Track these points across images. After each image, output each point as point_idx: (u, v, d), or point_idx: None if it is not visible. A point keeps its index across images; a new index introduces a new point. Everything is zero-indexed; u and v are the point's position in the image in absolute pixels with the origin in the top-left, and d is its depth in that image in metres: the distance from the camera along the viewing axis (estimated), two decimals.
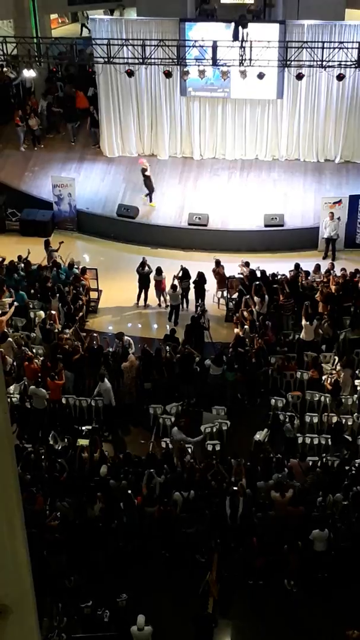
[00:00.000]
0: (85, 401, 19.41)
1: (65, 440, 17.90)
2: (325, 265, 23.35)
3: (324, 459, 17.34)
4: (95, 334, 21.12)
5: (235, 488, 15.80)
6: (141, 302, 23.51)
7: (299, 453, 17.30)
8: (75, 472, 16.64)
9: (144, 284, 23.25)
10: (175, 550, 15.55)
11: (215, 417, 18.94)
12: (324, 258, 24.83)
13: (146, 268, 22.98)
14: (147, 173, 26.53)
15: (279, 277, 22.28)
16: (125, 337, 20.58)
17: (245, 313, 20.98)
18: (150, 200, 26.79)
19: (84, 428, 18.71)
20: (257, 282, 21.68)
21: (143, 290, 23.34)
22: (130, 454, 17.31)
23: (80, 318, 22.00)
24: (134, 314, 23.34)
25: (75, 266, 23.34)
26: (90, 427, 18.69)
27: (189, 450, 17.47)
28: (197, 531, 15.40)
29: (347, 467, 16.99)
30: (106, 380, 19.12)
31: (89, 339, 20.60)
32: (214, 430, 18.53)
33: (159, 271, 22.92)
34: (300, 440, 18.18)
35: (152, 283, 23.14)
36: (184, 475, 16.48)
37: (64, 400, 19.39)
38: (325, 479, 16.52)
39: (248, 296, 21.37)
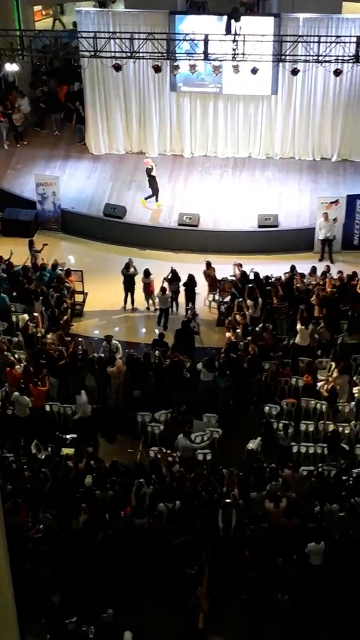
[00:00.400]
0: (70, 408, 19.38)
1: (49, 449, 17.85)
2: (321, 267, 23.43)
3: (320, 469, 17.35)
4: (80, 339, 21.12)
5: (228, 500, 15.80)
6: (128, 306, 23.53)
7: (293, 462, 17.30)
8: (59, 482, 16.58)
9: (129, 286, 23.27)
10: (165, 563, 15.53)
11: (206, 425, 18.93)
12: (320, 260, 24.92)
13: (131, 269, 23.00)
14: (152, 173, 26.50)
15: (273, 279, 22.33)
16: (113, 341, 20.60)
17: (237, 317, 21.02)
18: (157, 200, 26.77)
19: (68, 436, 18.67)
20: (250, 285, 21.73)
21: (129, 293, 23.36)
22: (118, 463, 17.29)
23: (65, 322, 21.98)
24: (121, 318, 23.35)
25: (60, 267, 23.34)
26: (74, 435, 18.64)
27: (177, 459, 17.49)
28: (185, 542, 15.38)
29: (344, 477, 17.02)
30: (83, 393, 19.13)
31: (73, 344, 20.59)
32: (205, 438, 18.51)
33: (147, 273, 22.95)
34: (295, 449, 18.19)
35: (141, 285, 23.16)
36: (173, 485, 16.45)
37: (47, 408, 19.36)
38: (320, 489, 16.53)
39: (241, 299, 21.42)
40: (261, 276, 22.46)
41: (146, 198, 26.86)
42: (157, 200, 26.85)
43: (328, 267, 23.18)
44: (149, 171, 26.62)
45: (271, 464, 17.28)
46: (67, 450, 17.81)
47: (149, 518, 15.63)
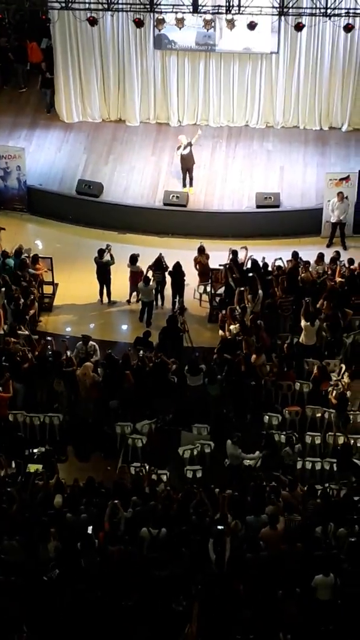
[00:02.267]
0: (38, 418, 19.35)
1: (14, 465, 17.81)
2: (329, 254, 23.44)
3: (327, 489, 17.38)
4: (49, 337, 21.10)
5: (220, 527, 15.79)
6: (104, 299, 23.53)
7: (290, 480, 17.36)
8: (26, 503, 16.56)
9: (102, 278, 23.27)
10: (147, 597, 15.51)
11: (196, 437, 18.98)
12: (329, 246, 24.96)
13: (106, 257, 22.93)
14: (182, 152, 26.29)
15: (274, 268, 22.32)
16: (91, 342, 20.60)
17: (237, 309, 20.99)
18: (184, 185, 26.73)
19: (36, 450, 18.68)
20: (251, 274, 21.74)
21: (104, 286, 23.38)
22: (94, 480, 17.27)
23: (32, 317, 21.98)
24: (96, 313, 23.40)
25: (25, 254, 23.28)
26: (43, 449, 18.62)
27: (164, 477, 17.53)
28: (172, 574, 15.38)
29: (355, 498, 17.05)
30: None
31: (42, 343, 20.55)
32: (195, 453, 18.54)
33: (133, 260, 22.90)
34: (299, 464, 18.24)
35: (126, 276, 23.13)
36: (158, 507, 16.46)
37: (11, 417, 19.35)
38: (326, 511, 16.57)
39: (243, 288, 21.38)
40: (260, 263, 22.44)
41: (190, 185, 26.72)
42: (184, 185, 26.74)
43: (338, 253, 23.18)
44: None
45: (272, 482, 17.30)
46: (35, 467, 17.79)
47: (121, 546, 15.62)
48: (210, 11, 24.79)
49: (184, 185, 26.63)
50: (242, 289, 21.46)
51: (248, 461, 18.23)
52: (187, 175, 26.52)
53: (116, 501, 16.14)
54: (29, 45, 30.04)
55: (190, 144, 26.09)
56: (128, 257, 23.00)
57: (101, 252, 22.99)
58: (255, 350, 19.92)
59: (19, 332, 20.90)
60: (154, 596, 15.46)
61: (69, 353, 20.14)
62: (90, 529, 15.96)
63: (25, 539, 15.86)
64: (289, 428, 19.27)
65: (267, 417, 19.37)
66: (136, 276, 22.93)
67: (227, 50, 27.46)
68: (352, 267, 22.46)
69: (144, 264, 22.87)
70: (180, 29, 25.59)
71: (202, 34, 26.96)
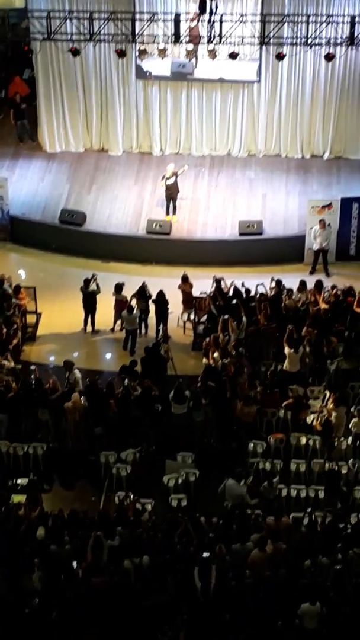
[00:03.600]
0: (21, 448, 19.25)
1: None
2: (312, 281, 23.43)
3: (313, 516, 17.31)
4: (33, 366, 21.02)
5: (205, 555, 15.70)
6: (89, 328, 23.48)
7: (275, 510, 17.30)
8: (8, 535, 16.43)
9: (88, 307, 23.23)
10: (132, 627, 15.38)
11: (180, 465, 18.89)
12: (312, 273, 25.00)
13: (92, 286, 22.92)
14: (167, 182, 26.38)
15: (257, 295, 22.34)
16: (74, 371, 20.54)
17: (221, 337, 20.96)
18: (168, 214, 26.81)
19: (19, 481, 18.54)
20: (234, 301, 21.75)
21: (89, 315, 23.33)
22: (77, 512, 17.15)
23: (15, 346, 21.87)
24: (80, 342, 23.32)
25: (7, 283, 23.22)
26: (27, 480, 18.49)
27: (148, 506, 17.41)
28: (156, 604, 15.26)
29: (341, 525, 16.98)
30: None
31: (25, 373, 20.47)
32: (180, 481, 18.46)
33: (118, 289, 22.88)
34: (284, 492, 18.15)
35: (111, 304, 23.10)
36: (143, 536, 16.36)
37: None
38: (312, 539, 16.50)
39: (227, 316, 21.37)
40: (242, 290, 22.46)
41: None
42: (167, 214, 26.82)
43: (319, 281, 23.19)
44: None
45: (257, 510, 17.23)
46: (18, 498, 17.67)
47: (105, 577, 15.48)
48: (193, 41, 24.96)
49: (167, 214, 26.68)
50: (226, 316, 21.45)
51: None
52: (171, 203, 26.59)
53: (99, 533, 16.04)
54: (13, 79, 30.02)
55: (176, 174, 26.17)
56: (112, 286, 22.97)
57: (87, 281, 22.96)
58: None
59: (5, 362, 20.80)
60: (140, 626, 15.34)
61: (52, 381, 20.06)
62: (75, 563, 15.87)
63: (7, 570, 15.73)
64: (274, 455, 19.19)
65: (252, 444, 19.30)
66: (121, 304, 22.90)
67: (203, 79, 27.53)
68: (336, 292, 22.48)
69: (128, 292, 22.85)
70: (162, 59, 25.76)
71: (177, 64, 27.15)
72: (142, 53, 26.37)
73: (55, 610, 15.20)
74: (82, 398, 19.69)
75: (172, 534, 16.40)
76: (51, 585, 15.58)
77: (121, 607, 15.44)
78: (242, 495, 17.73)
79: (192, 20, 25.41)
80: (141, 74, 27.66)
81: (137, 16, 25.33)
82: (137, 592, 15.47)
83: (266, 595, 15.37)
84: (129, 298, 22.71)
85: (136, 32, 24.86)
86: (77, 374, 20.64)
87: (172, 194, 26.41)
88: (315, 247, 25.08)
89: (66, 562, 15.83)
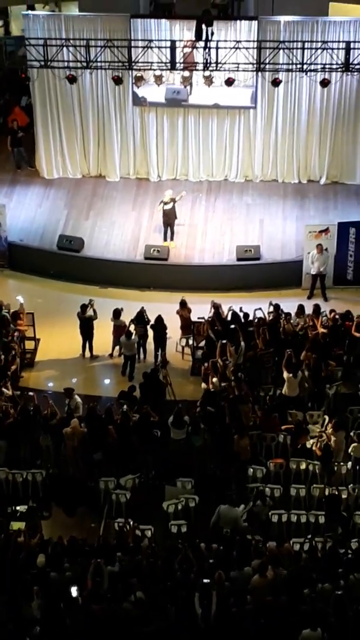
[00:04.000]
0: (20, 475, 19.19)
1: None
2: (310, 306, 23.45)
3: (314, 542, 17.24)
4: (31, 393, 20.98)
5: (206, 581, 15.62)
6: (87, 354, 23.47)
7: (276, 535, 17.24)
8: (8, 562, 16.34)
9: (85, 332, 23.23)
10: None
11: (180, 491, 18.83)
12: (309, 297, 25.04)
13: (89, 312, 22.92)
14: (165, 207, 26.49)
15: (254, 318, 22.37)
16: (75, 396, 20.52)
17: (219, 362, 20.97)
18: (165, 239, 26.92)
19: (18, 508, 18.49)
20: (233, 326, 21.76)
21: (87, 340, 23.34)
22: (76, 539, 17.08)
23: (13, 373, 21.85)
24: (79, 368, 23.32)
25: (5, 310, 23.23)
26: (26, 507, 18.45)
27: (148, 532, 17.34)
28: (157, 631, 15.16)
29: (342, 550, 16.91)
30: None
31: (23, 399, 20.44)
32: (179, 507, 18.40)
33: (117, 314, 22.88)
34: (284, 517, 18.09)
35: (109, 330, 23.11)
36: (143, 563, 16.28)
37: None
38: (313, 566, 16.42)
39: (225, 341, 21.38)
40: (240, 315, 22.48)
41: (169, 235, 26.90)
42: (165, 239, 26.90)
43: (317, 305, 23.21)
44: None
45: (256, 536, 17.16)
46: (18, 525, 17.60)
47: (105, 604, 15.39)
48: (189, 68, 25.09)
49: (165, 239, 26.74)
50: (224, 341, 21.45)
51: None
52: (169, 229, 26.65)
53: (99, 560, 15.96)
54: (14, 109, 30.14)
55: (174, 200, 26.25)
56: (110, 311, 23.00)
57: (84, 307, 22.97)
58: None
59: (4, 389, 20.78)
60: None
61: (50, 405, 20.03)
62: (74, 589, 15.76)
63: (7, 598, 15.63)
64: (274, 481, 19.14)
65: (252, 469, 19.25)
66: (120, 330, 22.90)
67: (198, 105, 27.69)
68: (334, 317, 22.50)
69: (126, 317, 22.87)
70: (159, 85, 25.89)
71: (172, 90, 27.30)
72: (139, 80, 26.52)
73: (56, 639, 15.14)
74: (81, 424, 19.65)
75: (172, 560, 16.34)
76: (51, 614, 15.50)
77: (121, 635, 15.35)
78: (237, 518, 17.68)
79: (187, 47, 25.59)
80: (138, 100, 27.80)
81: (133, 43, 25.48)
82: (138, 619, 15.37)
83: (267, 621, 15.31)
84: (127, 323, 22.72)
85: (132, 59, 25.01)
86: (78, 399, 20.63)
87: (169, 219, 26.50)
88: (313, 271, 25.15)
89: (66, 590, 15.74)
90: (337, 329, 22.17)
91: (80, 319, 23.09)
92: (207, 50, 24.58)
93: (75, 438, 19.52)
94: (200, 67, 25.10)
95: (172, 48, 24.65)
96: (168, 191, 26.72)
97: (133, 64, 25.15)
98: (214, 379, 20.75)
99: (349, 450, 19.40)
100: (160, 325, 22.70)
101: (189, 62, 25.64)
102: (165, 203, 26.30)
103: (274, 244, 26.70)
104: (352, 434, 19.77)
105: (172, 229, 26.66)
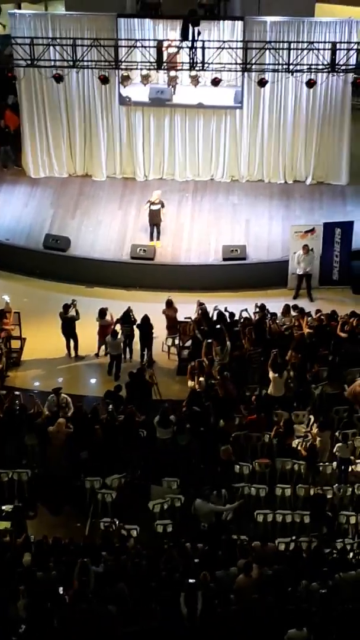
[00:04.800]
0: (6, 474, 19.15)
1: None
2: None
3: (299, 543, 17.27)
4: (17, 392, 20.94)
5: (191, 580, 15.62)
6: (72, 353, 23.45)
7: (261, 535, 17.27)
8: None
9: (67, 332, 23.19)
10: None
11: (166, 491, 18.82)
12: (295, 297, 25.08)
13: (71, 312, 22.86)
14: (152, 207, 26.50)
15: (240, 317, 22.37)
16: (63, 395, 20.47)
17: (205, 361, 20.96)
18: (152, 239, 26.91)
19: (4, 507, 18.42)
20: (218, 326, 21.76)
21: (70, 340, 23.31)
22: (61, 540, 17.04)
23: None
24: (65, 367, 23.25)
25: None
26: (12, 506, 18.40)
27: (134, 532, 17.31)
28: (142, 630, 15.15)
29: (326, 550, 16.95)
30: None
31: (9, 398, 20.40)
32: (165, 507, 18.39)
33: (102, 314, 22.84)
34: (270, 517, 18.10)
35: (95, 329, 23.07)
36: (128, 563, 16.27)
37: None
38: (298, 565, 16.45)
39: (210, 340, 21.38)
40: (226, 315, 22.50)
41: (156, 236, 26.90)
42: (151, 239, 26.90)
43: (300, 307, 23.20)
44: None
45: (243, 535, 17.18)
46: (3, 524, 17.54)
47: (90, 603, 15.37)
48: (175, 68, 25.06)
49: (151, 239, 26.73)
50: (210, 341, 21.46)
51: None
52: (155, 229, 26.64)
53: (85, 559, 15.93)
54: (5, 112, 30.01)
55: (162, 203, 26.25)
56: (96, 310, 22.95)
57: (66, 307, 22.93)
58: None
59: None
60: None
61: (36, 407, 19.99)
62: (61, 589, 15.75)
63: None
64: (259, 481, 19.16)
65: (238, 466, 19.24)
66: (105, 329, 22.86)
67: (182, 105, 27.70)
68: (320, 317, 22.54)
69: (112, 317, 22.84)
70: (145, 85, 25.86)
71: (155, 90, 27.28)
72: (125, 79, 26.49)
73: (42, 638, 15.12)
74: (68, 424, 19.61)
75: (158, 560, 16.35)
76: (37, 613, 15.47)
77: (107, 634, 15.33)
78: (211, 512, 17.68)
79: (172, 46, 25.57)
80: (123, 100, 27.77)
81: (120, 42, 25.45)
82: (123, 618, 15.36)
83: (253, 621, 15.32)
84: (113, 322, 22.71)
85: (119, 59, 24.98)
86: (67, 397, 20.57)
87: (156, 219, 26.49)
88: (299, 271, 25.19)
89: (52, 589, 15.72)
90: (323, 329, 22.20)
91: (63, 318, 23.04)
92: (193, 50, 24.57)
93: (60, 436, 19.45)
94: (187, 67, 25.09)
95: (159, 48, 24.59)
96: (157, 191, 26.71)
97: (119, 63, 25.10)
98: (200, 379, 20.76)
99: (334, 450, 19.41)
100: (146, 325, 22.69)
101: (174, 62, 25.61)
102: (152, 203, 26.31)
103: (260, 244, 26.73)
104: (337, 434, 19.81)
105: (159, 229, 26.68)
